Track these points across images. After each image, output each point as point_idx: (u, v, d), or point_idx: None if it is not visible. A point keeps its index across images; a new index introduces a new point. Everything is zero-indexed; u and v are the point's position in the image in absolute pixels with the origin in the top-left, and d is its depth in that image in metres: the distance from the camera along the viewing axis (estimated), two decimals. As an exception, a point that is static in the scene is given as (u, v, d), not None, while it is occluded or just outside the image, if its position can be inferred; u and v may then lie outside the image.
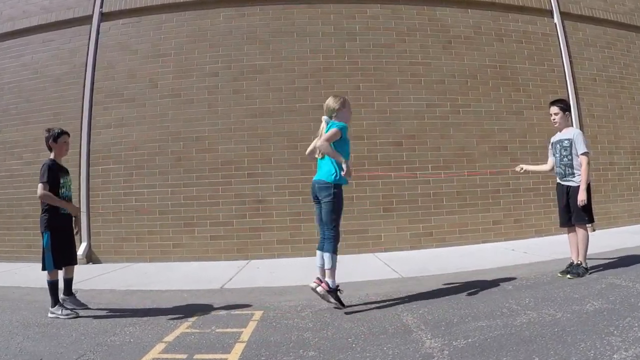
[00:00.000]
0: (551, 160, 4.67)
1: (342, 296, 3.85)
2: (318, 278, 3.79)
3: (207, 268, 6.16)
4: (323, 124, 3.96)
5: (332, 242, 3.76)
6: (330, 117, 3.93)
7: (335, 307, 3.77)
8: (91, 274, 5.89)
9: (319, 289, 3.72)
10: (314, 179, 3.91)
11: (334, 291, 3.74)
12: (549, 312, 3.23)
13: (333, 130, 3.75)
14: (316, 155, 3.97)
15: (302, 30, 7.23)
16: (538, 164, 5.02)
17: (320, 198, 3.84)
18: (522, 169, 4.86)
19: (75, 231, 4.21)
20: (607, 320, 2.91)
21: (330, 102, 3.95)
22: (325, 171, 3.83)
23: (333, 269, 3.76)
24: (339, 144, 3.82)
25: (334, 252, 3.76)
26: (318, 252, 3.84)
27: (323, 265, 3.79)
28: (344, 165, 3.72)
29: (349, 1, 7.30)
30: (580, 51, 7.93)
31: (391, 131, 7.04)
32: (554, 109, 4.55)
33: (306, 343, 3.00)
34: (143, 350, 3.00)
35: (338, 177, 3.77)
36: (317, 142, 3.89)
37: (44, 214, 3.97)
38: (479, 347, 2.66)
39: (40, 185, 3.91)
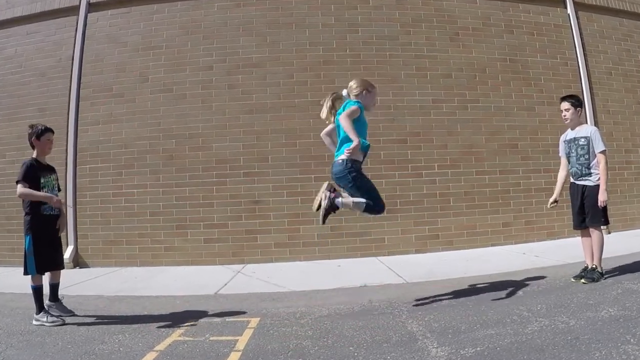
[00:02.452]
0: (564, 161, 4.66)
1: (343, 301, 3.84)
2: (338, 190, 3.78)
3: (201, 273, 6.16)
4: (330, 99, 3.97)
5: (374, 206, 3.76)
6: (349, 95, 3.93)
7: (316, 216, 3.74)
8: (78, 279, 5.89)
9: (327, 193, 3.73)
10: (334, 159, 3.91)
11: (332, 203, 3.72)
12: (561, 319, 3.22)
13: (353, 107, 3.75)
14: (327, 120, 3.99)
15: (301, 21, 7.22)
16: (557, 179, 4.83)
17: (341, 186, 3.84)
18: (555, 200, 4.62)
19: (57, 227, 4.17)
20: (623, 328, 2.90)
21: (359, 81, 3.98)
22: (340, 148, 3.83)
23: (351, 205, 3.75)
24: (356, 125, 3.80)
25: (365, 209, 3.75)
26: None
27: (354, 197, 3.76)
28: (353, 144, 3.69)
29: (351, -9, 7.30)
30: (595, 43, 7.92)
31: (395, 128, 7.03)
32: (565, 105, 4.55)
33: (305, 352, 3.00)
34: (133, 360, 2.99)
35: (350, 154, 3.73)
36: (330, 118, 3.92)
37: (26, 215, 3.97)
38: (487, 357, 2.66)
39: (18, 185, 3.91)
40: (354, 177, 3.76)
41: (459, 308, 3.79)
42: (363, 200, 3.76)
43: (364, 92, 3.94)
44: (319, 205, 3.80)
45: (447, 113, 7.18)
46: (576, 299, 3.71)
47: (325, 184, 3.89)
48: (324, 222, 3.84)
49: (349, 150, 3.71)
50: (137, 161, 7.02)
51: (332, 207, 3.77)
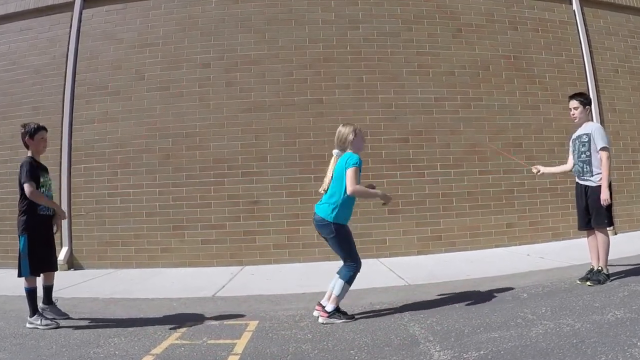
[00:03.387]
0: (572, 159, 4.67)
1: (343, 304, 3.84)
2: (319, 303, 3.81)
3: (198, 274, 6.16)
4: (333, 159, 3.93)
5: (349, 271, 3.77)
6: (342, 149, 3.90)
7: (347, 322, 3.72)
8: (73, 281, 5.89)
9: (320, 319, 3.74)
10: (315, 212, 3.91)
11: (334, 313, 3.75)
12: (567, 322, 3.22)
13: (350, 171, 3.70)
14: (320, 190, 4.00)
15: (300, 17, 7.22)
16: (557, 165, 4.94)
17: (323, 235, 3.88)
18: (538, 171, 4.82)
19: (54, 231, 4.19)
20: (629, 331, 2.90)
21: (342, 130, 3.91)
22: (326, 206, 3.83)
23: (339, 298, 3.77)
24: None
25: (348, 282, 3.77)
26: (335, 276, 3.83)
27: (332, 289, 3.80)
28: (381, 198, 3.90)
29: (351, -14, 7.30)
30: (601, 40, 7.92)
31: (397, 127, 7.03)
32: (574, 103, 4.55)
33: (305, 356, 3.00)
34: (129, 364, 3.00)
35: (337, 216, 3.76)
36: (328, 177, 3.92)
37: (22, 215, 3.96)
38: (491, 360, 2.66)
39: (26, 185, 3.90)
40: (337, 229, 3.76)
41: (461, 311, 3.79)
42: (340, 282, 3.74)
43: (353, 138, 3.86)
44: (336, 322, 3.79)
45: (449, 111, 7.18)
46: (582, 302, 3.71)
47: (315, 316, 3.84)
48: (350, 317, 3.81)
49: (385, 203, 3.94)
50: (133, 160, 7.01)
51: (334, 314, 3.75)
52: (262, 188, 6.87)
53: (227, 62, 7.12)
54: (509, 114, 7.33)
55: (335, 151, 3.96)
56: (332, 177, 3.89)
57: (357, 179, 3.73)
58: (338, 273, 3.82)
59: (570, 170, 4.72)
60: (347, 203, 3.80)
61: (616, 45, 8.03)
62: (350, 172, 3.71)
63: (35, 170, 4.00)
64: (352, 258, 3.80)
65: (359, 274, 3.83)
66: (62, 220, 4.43)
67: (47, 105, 7.26)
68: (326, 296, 3.84)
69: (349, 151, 3.86)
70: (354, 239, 3.90)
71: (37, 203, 3.96)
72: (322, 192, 3.96)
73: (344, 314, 3.80)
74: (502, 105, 7.33)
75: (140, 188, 6.96)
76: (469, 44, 7.39)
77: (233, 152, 6.93)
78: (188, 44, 7.18)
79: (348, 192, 3.72)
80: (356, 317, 3.82)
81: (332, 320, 3.72)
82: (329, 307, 3.75)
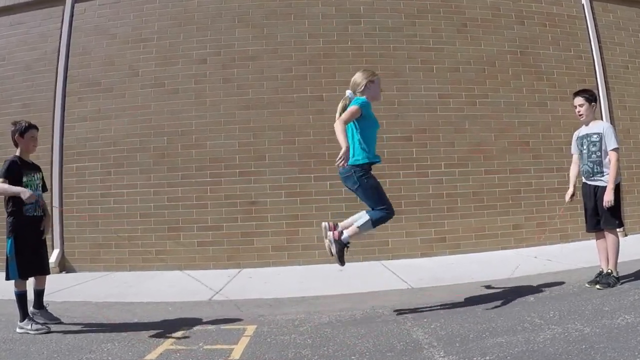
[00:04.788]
0: (576, 158, 4.67)
1: (344, 308, 3.84)
2: (335, 223, 3.78)
3: (194, 278, 6.16)
4: (343, 100, 3.96)
5: (379, 213, 3.73)
6: (354, 92, 3.93)
7: (334, 261, 3.75)
8: (64, 284, 5.89)
9: (329, 234, 3.72)
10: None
11: (341, 243, 3.72)
12: (575, 326, 3.22)
13: (352, 107, 3.74)
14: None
15: (300, 11, 7.21)
16: (571, 175, 4.85)
17: (348, 187, 3.85)
18: (571, 198, 4.67)
19: (41, 228, 4.16)
20: (640, 336, 2.90)
21: (359, 74, 3.97)
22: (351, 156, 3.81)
23: (359, 231, 3.73)
24: (364, 123, 3.83)
25: (374, 222, 3.74)
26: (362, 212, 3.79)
27: (355, 220, 3.77)
28: (341, 151, 3.63)
29: (353, -21, 7.30)
30: (610, 35, 7.91)
31: (399, 124, 7.03)
32: (579, 100, 4.55)
33: (304, 361, 3.00)
34: (122, 370, 3.00)
35: (359, 158, 3.75)
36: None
37: (9, 216, 3.96)
38: (497, 366, 2.66)
39: None
40: (360, 177, 3.76)
41: (466, 315, 3.79)
42: (366, 217, 3.74)
43: (367, 84, 3.93)
44: (331, 252, 3.81)
45: (454, 109, 7.18)
46: (591, 306, 3.71)
47: (323, 227, 3.89)
48: (342, 263, 3.86)
49: (338, 159, 3.62)
50: (127, 160, 7.01)
51: (343, 246, 3.77)
52: (260, 188, 6.86)
53: (224, 58, 7.12)
54: (515, 112, 7.33)
55: (348, 91, 3.97)
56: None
57: (353, 118, 3.74)
58: (367, 212, 3.76)
59: (581, 167, 4.68)
60: (363, 140, 3.78)
61: (626, 40, 8.02)
62: (350, 109, 3.73)
63: (17, 169, 3.98)
64: (382, 202, 3.76)
65: (387, 220, 3.78)
66: (50, 217, 4.39)
67: (37, 102, 7.25)
68: (345, 223, 3.80)
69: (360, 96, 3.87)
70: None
71: (24, 203, 3.95)
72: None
73: (341, 258, 3.78)
74: (508, 103, 7.32)
75: (134, 188, 6.96)
76: (474, 39, 7.38)
77: (230, 151, 6.93)
78: (184, 39, 7.17)
79: (337, 120, 3.71)
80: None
81: (334, 243, 3.72)
82: (344, 235, 3.72)
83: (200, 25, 7.19)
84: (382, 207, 3.77)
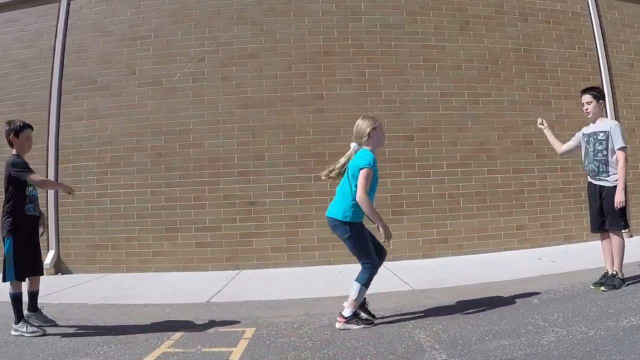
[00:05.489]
0: (568, 146, 4.74)
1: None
2: (340, 314, 3.81)
3: (192, 279, 6.16)
4: (350, 152, 3.95)
5: (366, 272, 3.79)
6: (360, 144, 3.91)
7: (365, 327, 3.73)
8: (60, 286, 5.89)
9: (337, 324, 3.77)
10: (326, 213, 3.92)
11: (352, 317, 3.76)
12: (580, 329, 3.22)
13: (364, 172, 3.69)
14: (322, 176, 4.00)
15: (299, 8, 7.21)
16: (558, 142, 4.95)
17: (337, 235, 3.90)
18: (542, 123, 4.84)
19: (40, 232, 4.19)
20: (646, 339, 2.90)
21: (361, 123, 3.93)
22: (338, 206, 3.84)
23: (357, 301, 3.78)
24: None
25: (365, 284, 3.78)
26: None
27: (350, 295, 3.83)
28: (381, 228, 3.76)
29: (353, -24, 7.30)
30: (615, 33, 7.91)
31: (401, 123, 7.03)
32: (587, 98, 4.55)
33: (304, 364, 3.01)
34: (119, 373, 3.00)
35: (352, 215, 3.78)
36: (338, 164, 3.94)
37: (7, 216, 3.96)
38: (500, 369, 2.66)
39: (31, 176, 3.93)
40: (356, 237, 3.80)
41: (469, 317, 3.79)
42: (357, 285, 3.76)
43: (370, 132, 3.87)
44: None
45: (456, 107, 7.18)
46: (595, 308, 3.71)
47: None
48: (371, 320, 3.86)
49: (385, 240, 3.82)
50: (124, 159, 7.01)
51: (354, 317, 3.77)
52: (259, 188, 6.86)
53: (223, 56, 7.12)
54: (519, 110, 7.32)
55: (353, 144, 3.96)
56: (343, 172, 3.90)
57: (369, 182, 3.73)
58: (355, 280, 3.82)
59: (559, 155, 4.70)
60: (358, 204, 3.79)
61: (632, 37, 8.02)
62: (362, 175, 3.70)
63: (27, 166, 4.01)
64: (368, 257, 3.81)
65: (375, 275, 3.83)
66: (46, 217, 4.44)
67: (33, 101, 7.25)
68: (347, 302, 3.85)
69: (365, 147, 3.87)
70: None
71: (25, 202, 3.97)
72: (324, 177, 3.98)
73: (363, 319, 3.80)
74: (511, 101, 7.32)
75: (131, 188, 6.96)
76: (477, 37, 7.38)
77: (229, 151, 6.93)
78: (181, 37, 7.17)
79: (357, 198, 3.71)
80: (376, 322, 3.83)
81: (349, 325, 3.73)
82: (346, 312, 3.76)
83: (198, 22, 7.20)
84: (367, 262, 3.81)
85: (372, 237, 4.00)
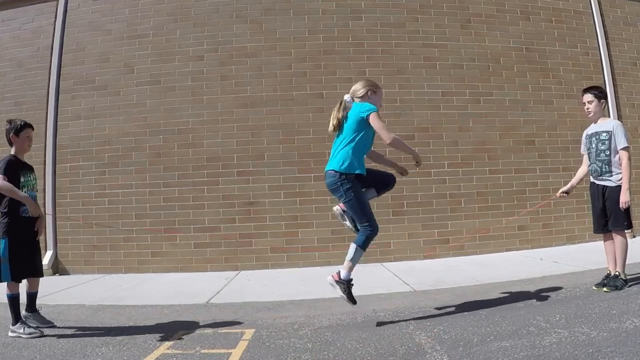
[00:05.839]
0: (586, 157, 4.65)
1: (345, 311, 3.84)
2: (338, 272, 3.82)
3: (191, 280, 6.16)
4: (341, 103, 3.96)
5: (363, 234, 3.79)
6: (353, 98, 3.97)
7: (344, 300, 3.77)
8: (58, 287, 5.89)
9: (328, 278, 3.80)
10: (325, 168, 3.93)
11: (344, 282, 3.75)
12: (582, 330, 3.22)
13: (374, 116, 3.73)
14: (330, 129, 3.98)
15: (299, 7, 7.22)
16: (576, 175, 4.86)
17: (337, 197, 3.88)
18: (564, 194, 4.72)
19: (36, 229, 4.16)
20: (649, 340, 2.90)
21: (359, 83, 4.00)
22: (336, 158, 3.83)
23: (353, 263, 3.77)
24: (364, 134, 3.83)
25: (362, 246, 3.78)
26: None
27: (347, 255, 3.83)
28: (414, 157, 3.99)
29: (354, -26, 7.30)
30: (618, 31, 7.91)
31: (401, 123, 7.03)
32: (588, 97, 4.55)
33: (304, 366, 3.01)
34: (117, 375, 3.00)
35: (350, 164, 3.76)
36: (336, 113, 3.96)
37: (3, 217, 3.96)
38: (502, 371, 2.66)
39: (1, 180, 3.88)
40: (347, 190, 3.77)
41: (470, 318, 3.79)
42: (353, 246, 3.77)
43: (368, 92, 3.93)
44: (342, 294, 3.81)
45: (457, 107, 7.18)
46: (598, 309, 3.71)
47: (336, 211, 3.99)
48: (353, 302, 3.83)
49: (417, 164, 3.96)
50: (122, 159, 7.02)
51: (346, 284, 3.77)
52: (258, 188, 6.87)
53: (222, 55, 7.12)
54: (520, 110, 7.33)
55: (346, 96, 3.98)
56: (339, 124, 3.90)
57: (383, 122, 3.78)
58: (353, 241, 3.83)
59: (589, 166, 4.67)
60: (358, 150, 3.80)
61: (634, 36, 8.02)
62: (374, 119, 3.71)
63: (14, 168, 3.99)
64: (368, 219, 3.81)
65: (373, 238, 3.85)
66: (44, 219, 4.41)
67: (30, 100, 7.26)
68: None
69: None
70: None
71: (20, 203, 3.96)
72: (331, 130, 3.98)
73: (350, 294, 3.78)
74: (513, 100, 7.33)
75: (129, 188, 6.96)
76: (478, 35, 7.39)
77: (228, 150, 6.93)
78: (180, 35, 7.18)
79: (387, 141, 3.73)
80: (357, 302, 3.84)
81: (337, 285, 3.75)
82: (343, 273, 3.76)
83: (197, 21, 7.20)
84: (365, 224, 3.80)
85: (377, 173, 4.03)
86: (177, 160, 6.96)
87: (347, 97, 4.00)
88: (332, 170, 3.82)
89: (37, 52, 7.40)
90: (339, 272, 3.79)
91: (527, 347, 2.98)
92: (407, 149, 3.97)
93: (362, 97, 3.93)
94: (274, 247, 6.77)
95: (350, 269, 3.77)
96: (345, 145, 3.80)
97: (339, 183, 3.77)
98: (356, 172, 3.80)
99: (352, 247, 3.78)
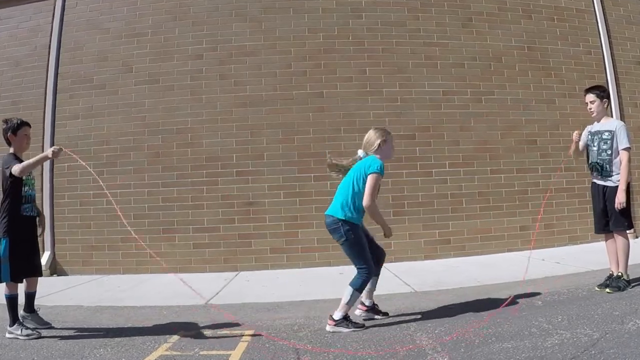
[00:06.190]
0: (581, 144, 4.63)
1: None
2: (331, 316, 3.83)
3: (190, 281, 6.12)
4: (356, 157, 4.02)
5: (360, 278, 3.81)
6: (367, 152, 3.99)
7: (355, 331, 3.73)
8: (56, 288, 5.89)
9: (327, 327, 3.78)
10: (326, 212, 3.96)
11: (342, 321, 3.76)
12: (584, 331, 3.23)
13: (373, 177, 3.76)
14: (328, 162, 4.08)
15: (299, 5, 7.22)
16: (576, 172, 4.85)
17: (334, 238, 3.91)
18: (578, 136, 4.62)
19: (39, 232, 4.20)
20: (652, 341, 2.90)
21: (372, 134, 4.01)
22: (338, 205, 3.87)
23: (348, 305, 3.78)
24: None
25: (358, 289, 3.80)
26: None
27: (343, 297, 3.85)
28: (384, 230, 3.90)
29: (354, -28, 7.30)
30: (621, 30, 7.91)
31: (402, 122, 7.03)
32: (590, 97, 4.55)
33: (304, 367, 3.01)
34: (115, 376, 3.00)
35: (351, 215, 3.82)
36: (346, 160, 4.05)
37: (3, 216, 3.96)
38: (503, 373, 2.66)
39: (14, 167, 3.85)
40: (347, 232, 3.80)
41: (472, 319, 3.79)
42: (350, 289, 3.78)
43: (381, 144, 3.96)
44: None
45: (459, 106, 7.18)
46: (600, 310, 3.71)
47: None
48: (360, 325, 3.84)
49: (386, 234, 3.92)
50: (120, 159, 7.02)
51: (343, 320, 3.77)
52: (258, 188, 6.87)
53: (221, 54, 7.12)
54: (522, 109, 7.33)
55: (360, 151, 4.02)
56: (345, 172, 3.99)
57: (377, 188, 3.80)
58: (349, 284, 3.84)
59: (579, 152, 4.67)
60: (359, 203, 3.83)
61: (637, 35, 8.02)
62: (372, 180, 3.76)
63: (18, 163, 4.00)
64: (364, 262, 3.83)
65: (369, 281, 3.87)
66: (44, 218, 4.43)
67: (27, 99, 7.25)
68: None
69: (373, 155, 3.93)
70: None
71: (20, 203, 3.97)
72: (328, 162, 4.09)
73: (354, 322, 3.80)
74: (515, 100, 7.33)
75: (127, 188, 6.96)
76: (479, 34, 7.38)
77: (227, 150, 6.93)
78: (179, 34, 7.18)
79: (364, 204, 3.76)
80: (366, 325, 3.83)
81: (339, 328, 3.73)
82: (336, 315, 3.77)
83: (196, 20, 7.20)
84: (363, 267, 3.82)
85: (371, 239, 4.04)
86: (176, 160, 6.96)
87: (360, 153, 4.03)
88: (333, 215, 3.87)
89: (34, 51, 7.40)
90: (332, 316, 3.78)
91: (529, 349, 2.99)
92: (379, 219, 3.90)
93: (375, 151, 3.96)
94: (274, 247, 6.77)
95: (346, 311, 3.78)
96: (348, 198, 3.84)
97: (340, 224, 3.82)
98: (358, 223, 3.89)
99: (349, 290, 3.79)
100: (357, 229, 3.86)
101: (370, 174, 3.77)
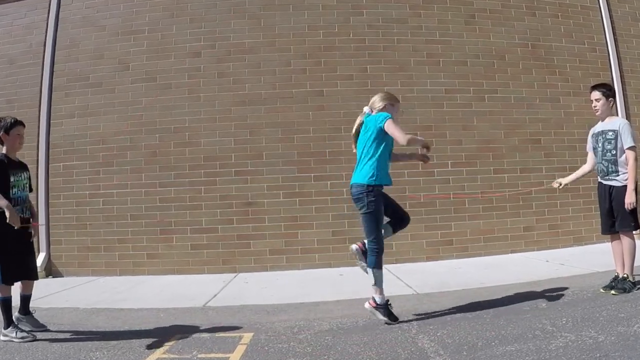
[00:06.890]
0: (591, 156, 4.66)
1: (346, 314, 3.84)
2: (373, 298, 3.98)
3: (188, 283, 6.16)
4: (360, 117, 4.14)
5: (372, 255, 3.97)
6: (372, 110, 4.12)
7: (386, 323, 3.88)
8: (51, 290, 5.90)
9: (366, 304, 3.96)
10: (351, 181, 4.07)
11: (382, 307, 3.91)
12: (589, 334, 3.22)
13: (389, 123, 3.87)
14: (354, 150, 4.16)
15: (299, 2, 7.22)
16: (577, 170, 4.90)
17: (358, 207, 4.01)
18: (560, 184, 4.81)
19: (32, 233, 4.17)
20: (658, 344, 2.90)
21: (378, 96, 4.17)
22: (361, 171, 3.98)
23: (379, 285, 3.94)
24: (385, 143, 3.99)
25: (377, 266, 3.95)
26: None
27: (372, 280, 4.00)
28: (419, 141, 4.12)
29: (355, -32, 7.30)
30: (626, 27, 7.91)
31: (404, 121, 6.96)
32: (596, 95, 4.55)
33: (304, 371, 3.01)
34: (112, 380, 3.00)
35: (376, 177, 3.92)
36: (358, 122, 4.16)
37: (-5, 218, 3.95)
38: (507, 376, 2.66)
39: None
40: (370, 202, 3.91)
41: (474, 322, 3.79)
42: (371, 273, 3.96)
43: (386, 106, 4.09)
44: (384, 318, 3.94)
45: (461, 105, 7.18)
46: (605, 312, 3.71)
47: (354, 250, 4.11)
48: (394, 319, 3.95)
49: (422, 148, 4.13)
50: (117, 158, 7.02)
51: (385, 306, 3.94)
52: (257, 188, 6.87)
53: (219, 51, 7.12)
54: (526, 108, 7.33)
55: (366, 108, 4.16)
56: (357, 139, 4.10)
57: (399, 127, 3.91)
58: (368, 266, 4.00)
59: (592, 170, 4.71)
60: (382, 160, 3.97)
61: (643, 32, 8.02)
62: (389, 125, 3.87)
63: (3, 168, 3.97)
64: (375, 236, 3.96)
65: (382, 255, 4.02)
66: (38, 219, 4.40)
67: (22, 98, 7.26)
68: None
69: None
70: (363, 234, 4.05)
71: (11, 203, 3.95)
72: (353, 134, 4.18)
73: (390, 313, 3.92)
74: (519, 98, 7.33)
75: (124, 188, 6.96)
76: (482, 31, 7.39)
77: (225, 149, 6.93)
78: (176, 31, 7.18)
79: (403, 142, 3.87)
80: (400, 321, 3.93)
81: (376, 311, 3.90)
82: (377, 298, 3.93)
83: (194, 17, 7.20)
84: (373, 239, 3.96)
85: (395, 205, 4.20)
86: (174, 159, 6.96)
87: (366, 109, 4.15)
88: (359, 182, 3.96)
89: (29, 48, 7.41)
90: (373, 298, 3.95)
91: (533, 352, 2.98)
92: (419, 141, 4.14)
93: (380, 110, 4.07)
94: (273, 248, 6.77)
95: (381, 292, 3.94)
96: (369, 159, 3.96)
97: (364, 193, 3.92)
98: (383, 183, 4.00)
99: (370, 273, 3.96)
100: (380, 202, 3.95)
101: (383, 124, 3.87)
